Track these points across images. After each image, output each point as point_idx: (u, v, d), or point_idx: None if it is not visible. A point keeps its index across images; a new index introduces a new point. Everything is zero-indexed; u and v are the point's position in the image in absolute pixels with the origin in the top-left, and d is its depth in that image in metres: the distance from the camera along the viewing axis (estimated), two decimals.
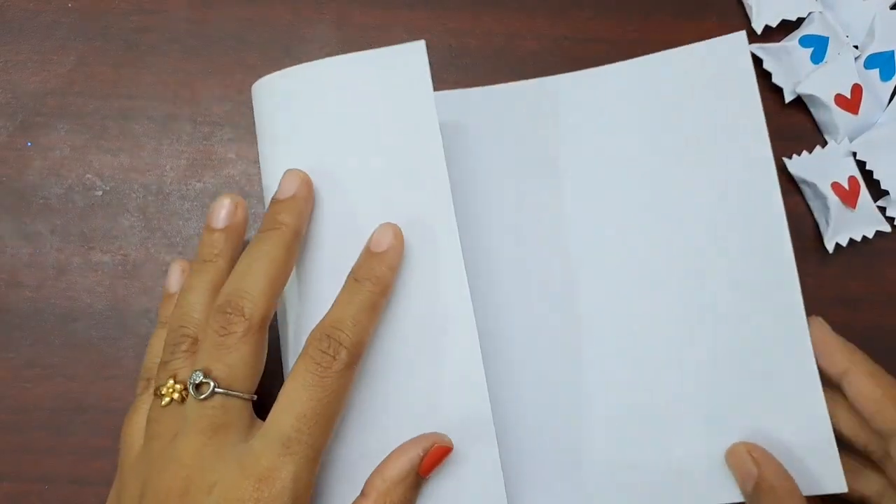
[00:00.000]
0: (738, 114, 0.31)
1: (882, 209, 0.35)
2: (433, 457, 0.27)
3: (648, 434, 0.30)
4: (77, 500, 0.31)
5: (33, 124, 0.34)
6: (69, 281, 0.33)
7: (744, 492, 0.29)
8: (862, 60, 0.36)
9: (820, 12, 0.36)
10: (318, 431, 0.25)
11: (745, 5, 0.37)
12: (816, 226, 0.35)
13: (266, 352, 0.26)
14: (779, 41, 0.36)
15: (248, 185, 0.34)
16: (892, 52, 0.35)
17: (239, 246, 0.28)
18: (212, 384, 0.24)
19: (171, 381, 0.26)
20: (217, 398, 0.24)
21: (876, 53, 0.35)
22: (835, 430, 0.29)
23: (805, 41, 0.35)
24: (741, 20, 0.37)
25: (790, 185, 0.35)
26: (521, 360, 0.32)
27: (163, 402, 0.25)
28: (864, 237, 0.34)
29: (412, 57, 0.28)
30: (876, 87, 0.36)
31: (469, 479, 0.28)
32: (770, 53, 0.35)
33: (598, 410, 0.31)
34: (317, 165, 0.28)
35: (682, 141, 0.32)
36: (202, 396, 0.24)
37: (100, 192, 0.34)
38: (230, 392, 0.25)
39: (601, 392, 0.31)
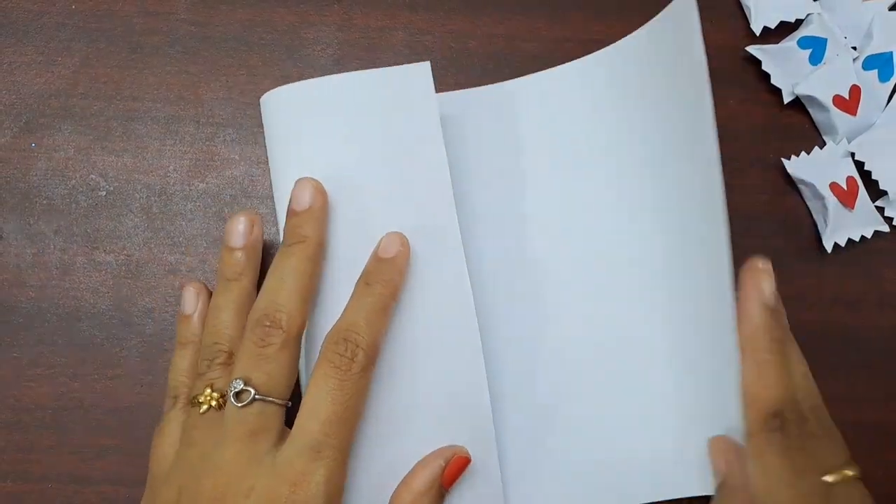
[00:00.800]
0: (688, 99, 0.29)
1: (880, 209, 0.35)
2: (454, 468, 0.28)
3: (619, 427, 0.31)
4: (79, 499, 0.31)
5: (37, 125, 0.34)
6: (73, 281, 0.33)
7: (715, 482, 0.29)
8: (860, 61, 0.36)
9: (818, 14, 0.36)
10: (344, 433, 0.26)
11: (744, 6, 0.37)
12: (815, 226, 0.35)
13: (299, 361, 0.27)
14: (777, 42, 0.36)
15: (251, 186, 0.34)
16: (891, 53, 0.36)
17: (258, 261, 0.30)
18: (252, 391, 0.25)
19: (209, 390, 0.27)
20: (256, 405, 0.26)
21: (874, 54, 0.36)
22: None
23: (803, 42, 0.36)
24: (739, 21, 0.37)
25: (789, 186, 0.35)
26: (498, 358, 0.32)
27: (201, 410, 0.27)
28: (863, 237, 0.34)
29: (418, 76, 0.29)
30: (874, 88, 0.36)
31: (470, 486, 0.29)
32: (768, 55, 0.36)
33: (569, 409, 0.31)
34: (325, 177, 0.29)
35: (640, 129, 0.32)
36: (242, 403, 0.25)
37: (103, 193, 0.34)
38: (268, 399, 0.26)
39: (572, 389, 0.32)
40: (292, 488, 0.24)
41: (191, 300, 0.31)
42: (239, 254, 0.29)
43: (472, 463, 0.29)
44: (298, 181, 0.29)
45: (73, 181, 0.34)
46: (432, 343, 0.29)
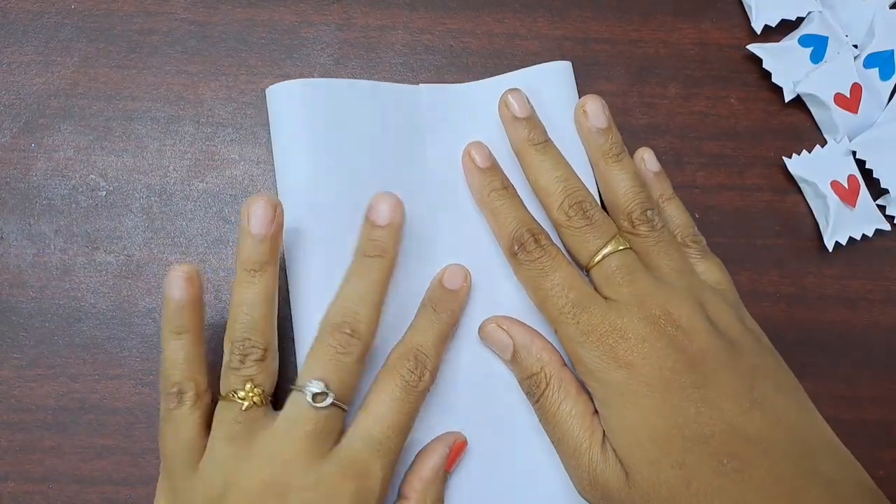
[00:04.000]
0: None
1: (882, 208, 0.35)
2: (456, 452, 0.30)
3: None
4: (81, 499, 0.31)
5: (37, 125, 0.34)
6: (73, 281, 0.33)
7: (506, 362, 0.31)
8: (861, 60, 0.36)
9: (819, 12, 0.36)
10: (400, 439, 0.28)
11: (745, 5, 0.37)
12: (816, 225, 0.35)
13: None
14: (778, 41, 0.36)
15: (251, 186, 0.34)
16: (892, 51, 0.36)
17: (280, 249, 0.29)
18: (331, 395, 0.27)
19: (250, 386, 0.27)
20: (330, 408, 0.27)
21: (875, 52, 0.36)
22: None
23: (804, 40, 0.36)
24: (740, 20, 0.37)
25: (790, 185, 0.35)
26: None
27: (244, 406, 0.27)
28: (864, 236, 0.34)
29: (414, 95, 0.33)
30: (875, 86, 0.36)
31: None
32: (769, 53, 0.35)
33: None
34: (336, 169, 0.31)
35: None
36: (319, 405, 0.26)
37: (104, 193, 0.34)
38: (340, 404, 0.27)
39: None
40: (356, 481, 0.26)
41: (181, 285, 0.28)
42: (263, 243, 0.28)
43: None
44: (379, 195, 0.29)
45: (73, 181, 0.34)
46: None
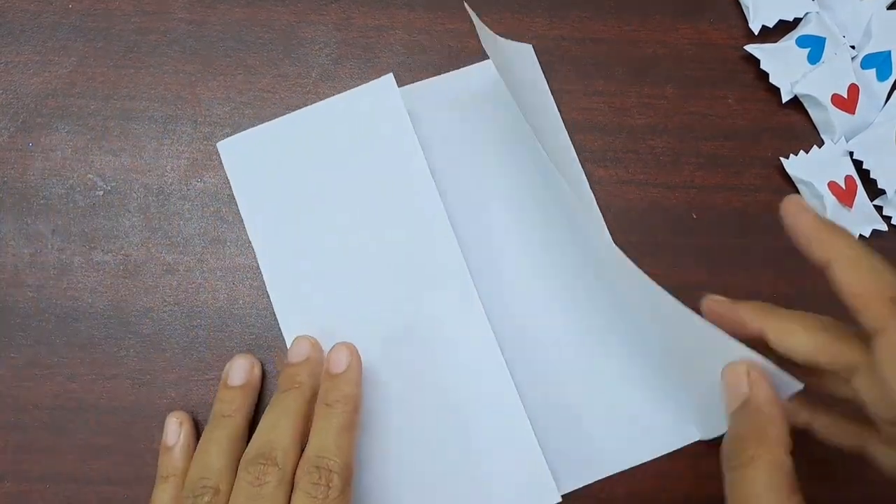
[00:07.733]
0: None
1: (878, 208, 0.35)
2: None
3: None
4: (78, 499, 0.31)
5: (35, 125, 0.34)
6: (71, 280, 0.33)
7: (729, 409, 0.27)
8: (859, 60, 0.36)
9: (817, 12, 0.36)
10: None
11: (743, 6, 0.37)
12: None
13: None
14: (776, 41, 0.36)
15: None
16: (889, 52, 0.36)
17: (254, 402, 0.31)
18: None
19: None
20: None
21: (872, 53, 0.36)
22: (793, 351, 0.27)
23: (802, 41, 0.36)
24: (738, 20, 0.37)
25: (787, 185, 0.35)
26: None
27: None
28: (861, 236, 0.34)
29: (384, 91, 0.32)
30: (872, 86, 0.36)
31: (514, 454, 0.31)
32: (767, 53, 0.35)
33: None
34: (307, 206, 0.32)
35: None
36: None
37: (101, 193, 0.34)
38: None
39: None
40: None
41: (174, 430, 0.30)
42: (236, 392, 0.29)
43: (510, 435, 0.31)
44: (296, 339, 0.30)
45: (71, 181, 0.34)
46: (452, 346, 0.31)
